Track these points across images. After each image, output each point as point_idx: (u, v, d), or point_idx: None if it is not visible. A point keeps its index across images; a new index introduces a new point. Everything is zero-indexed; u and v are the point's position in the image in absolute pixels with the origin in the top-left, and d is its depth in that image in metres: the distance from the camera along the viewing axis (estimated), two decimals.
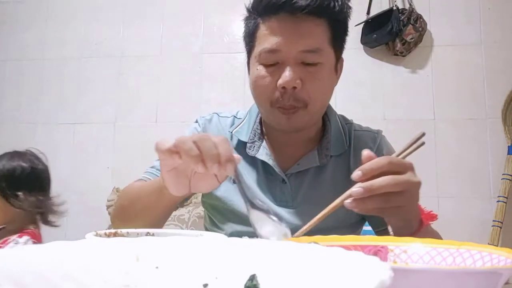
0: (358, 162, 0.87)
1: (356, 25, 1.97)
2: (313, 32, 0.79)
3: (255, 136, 0.92)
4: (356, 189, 0.58)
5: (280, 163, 0.90)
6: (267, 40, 0.80)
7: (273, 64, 0.81)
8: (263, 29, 0.82)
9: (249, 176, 0.90)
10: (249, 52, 0.87)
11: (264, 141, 0.92)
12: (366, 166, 0.60)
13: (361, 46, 2.02)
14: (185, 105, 2.12)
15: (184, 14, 2.21)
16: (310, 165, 0.88)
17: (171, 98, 2.15)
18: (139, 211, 0.80)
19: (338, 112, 0.98)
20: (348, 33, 0.87)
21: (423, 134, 0.65)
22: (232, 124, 0.96)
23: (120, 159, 2.14)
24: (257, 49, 0.83)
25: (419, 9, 1.98)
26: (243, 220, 0.88)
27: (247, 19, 0.87)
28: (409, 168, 0.62)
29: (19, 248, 0.28)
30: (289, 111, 0.81)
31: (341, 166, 0.90)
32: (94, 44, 2.26)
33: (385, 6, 2.01)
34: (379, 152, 0.91)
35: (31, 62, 2.29)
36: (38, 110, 2.25)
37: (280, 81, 0.79)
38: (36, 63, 2.29)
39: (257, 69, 0.82)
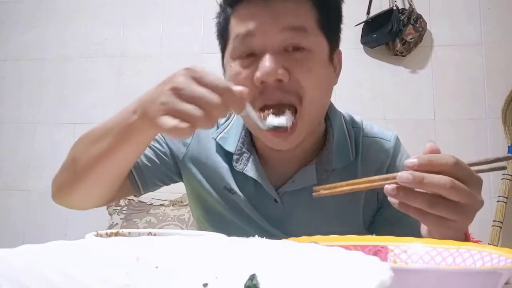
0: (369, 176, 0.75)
1: (356, 25, 1.97)
2: (294, 10, 0.66)
3: (243, 146, 0.78)
4: (403, 174, 0.49)
5: (272, 179, 0.77)
6: (238, 26, 0.67)
7: (250, 55, 0.67)
8: (233, 19, 0.69)
9: (241, 190, 0.78)
10: (223, 49, 0.74)
11: (254, 152, 0.78)
12: (425, 156, 0.50)
13: (361, 46, 2.02)
14: None
15: (184, 14, 2.21)
16: (307, 183, 0.74)
17: None
18: (97, 156, 0.63)
19: None
20: (342, 19, 0.74)
21: (510, 158, 0.56)
22: (226, 120, 0.82)
23: None
24: (229, 44, 0.70)
25: (419, 9, 1.98)
26: (240, 234, 0.82)
27: (218, 15, 0.75)
28: (476, 182, 0.51)
29: (19, 248, 0.28)
30: (281, 134, 0.66)
31: (345, 181, 0.78)
32: (94, 44, 2.26)
33: (385, 6, 2.01)
34: (394, 168, 0.78)
35: (31, 62, 2.29)
36: (38, 110, 2.25)
37: (257, 74, 0.64)
38: (36, 63, 2.29)
39: (231, 66, 0.69)
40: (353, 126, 0.81)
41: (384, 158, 0.79)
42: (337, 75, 0.76)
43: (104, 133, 0.63)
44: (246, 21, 0.66)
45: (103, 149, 0.62)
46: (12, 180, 2.21)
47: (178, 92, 0.51)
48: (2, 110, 2.28)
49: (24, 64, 2.30)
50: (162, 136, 0.83)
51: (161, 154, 0.82)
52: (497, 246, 1.51)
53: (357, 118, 0.83)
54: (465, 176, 0.50)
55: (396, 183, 0.50)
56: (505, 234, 1.79)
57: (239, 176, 0.78)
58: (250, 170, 0.76)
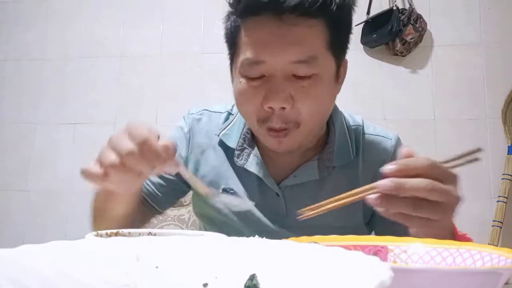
0: (369, 174, 0.75)
1: (356, 25, 1.96)
2: (305, 37, 0.65)
3: (244, 142, 0.80)
4: (384, 182, 0.50)
5: (274, 173, 0.79)
6: (248, 48, 0.67)
7: (258, 77, 0.68)
8: (243, 34, 0.68)
9: (241, 187, 0.80)
10: (231, 58, 0.75)
11: (256, 147, 0.80)
12: (402, 161, 0.51)
13: (361, 46, 2.02)
14: (185, 105, 2.10)
15: (184, 14, 2.21)
16: (308, 178, 0.77)
17: (171, 98, 2.14)
18: (106, 220, 0.74)
19: None
20: (352, 31, 0.74)
21: (479, 150, 0.56)
22: (226, 120, 0.84)
23: None
24: (239, 58, 0.70)
25: (419, 9, 1.97)
26: (240, 233, 0.84)
27: (227, 18, 0.74)
28: (453, 179, 0.53)
29: (19, 248, 0.28)
30: (280, 134, 0.69)
31: (346, 178, 0.78)
32: (94, 44, 2.26)
33: (385, 6, 2.01)
34: None
35: (32, 62, 2.29)
36: (38, 110, 2.25)
37: (265, 101, 0.66)
38: (37, 63, 2.28)
39: (239, 81, 0.70)
40: (354, 125, 0.83)
41: (385, 157, 0.80)
42: (341, 83, 0.77)
43: (98, 201, 0.75)
44: (256, 48, 0.66)
45: (100, 203, 0.73)
46: (12, 180, 2.21)
47: (108, 144, 0.55)
48: (2, 110, 2.28)
49: (24, 64, 2.30)
50: None
51: (166, 177, 0.85)
52: (497, 246, 1.51)
53: (358, 118, 0.86)
54: (442, 175, 0.52)
55: (378, 191, 0.51)
56: (505, 234, 1.79)
57: (240, 172, 0.80)
58: (251, 165, 0.79)
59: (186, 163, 0.84)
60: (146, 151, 0.52)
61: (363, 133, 0.82)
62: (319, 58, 0.67)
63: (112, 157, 0.53)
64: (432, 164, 0.51)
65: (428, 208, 0.50)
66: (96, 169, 0.54)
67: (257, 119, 0.70)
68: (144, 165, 0.53)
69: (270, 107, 0.67)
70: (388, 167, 0.51)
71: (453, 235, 0.59)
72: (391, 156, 0.80)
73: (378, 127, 0.85)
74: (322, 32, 0.67)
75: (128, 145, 0.52)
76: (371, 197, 0.51)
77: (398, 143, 0.83)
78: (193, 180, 0.60)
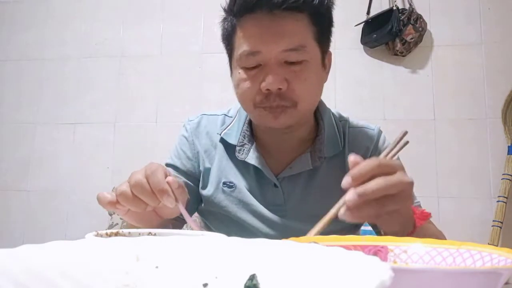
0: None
1: (356, 25, 1.96)
2: (294, 29, 0.75)
3: (244, 138, 0.88)
4: (350, 197, 0.54)
5: (271, 167, 0.86)
6: (245, 42, 0.76)
7: (255, 67, 0.76)
8: (240, 30, 0.78)
9: (240, 180, 0.87)
10: (230, 55, 0.83)
11: (255, 143, 0.87)
12: (355, 171, 0.56)
13: (361, 46, 2.02)
14: (185, 105, 2.12)
15: (184, 14, 2.21)
16: (303, 169, 0.85)
17: (171, 98, 2.15)
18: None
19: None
20: (333, 24, 0.83)
21: (406, 133, 0.62)
22: (223, 123, 0.92)
23: (120, 159, 2.14)
24: (236, 52, 0.79)
25: (419, 9, 1.98)
26: (240, 225, 0.86)
27: (223, 21, 0.83)
28: (399, 168, 0.58)
29: (19, 248, 0.28)
30: (277, 110, 0.77)
31: (335, 167, 0.86)
32: (94, 44, 2.26)
33: (385, 6, 2.01)
34: (377, 152, 0.88)
35: (31, 62, 2.29)
36: (38, 110, 2.25)
37: (263, 85, 0.75)
38: (36, 63, 2.28)
39: (238, 72, 0.78)
40: (341, 119, 0.92)
41: (368, 143, 0.89)
42: (327, 72, 0.85)
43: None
44: (252, 40, 0.76)
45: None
46: (12, 180, 2.21)
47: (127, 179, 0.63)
48: (1, 110, 2.28)
49: (23, 64, 2.30)
50: (175, 168, 0.91)
51: (191, 186, 0.89)
52: (497, 246, 1.51)
53: (344, 114, 0.95)
54: (390, 167, 0.57)
55: (348, 206, 0.55)
56: (505, 234, 1.79)
57: (240, 167, 0.88)
58: (251, 158, 0.86)
59: (193, 163, 0.91)
60: (151, 182, 0.59)
61: (349, 126, 0.91)
62: (307, 46, 0.76)
63: (124, 187, 0.61)
64: (379, 163, 0.56)
65: (391, 201, 0.56)
66: (109, 196, 0.62)
67: (253, 102, 0.78)
68: (148, 195, 0.60)
69: (268, 89, 0.75)
70: (345, 181, 0.56)
71: (413, 215, 0.66)
72: (374, 143, 0.89)
73: (362, 121, 0.94)
74: (308, 25, 0.77)
75: (138, 177, 0.60)
76: (344, 214, 0.56)
77: (379, 132, 0.92)
78: (187, 216, 0.65)
